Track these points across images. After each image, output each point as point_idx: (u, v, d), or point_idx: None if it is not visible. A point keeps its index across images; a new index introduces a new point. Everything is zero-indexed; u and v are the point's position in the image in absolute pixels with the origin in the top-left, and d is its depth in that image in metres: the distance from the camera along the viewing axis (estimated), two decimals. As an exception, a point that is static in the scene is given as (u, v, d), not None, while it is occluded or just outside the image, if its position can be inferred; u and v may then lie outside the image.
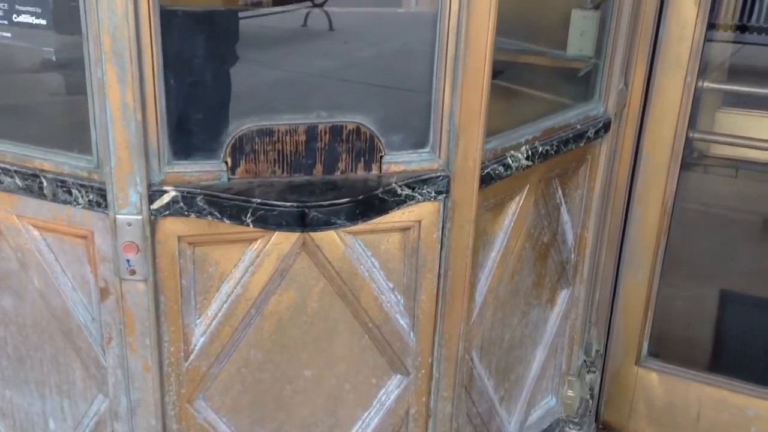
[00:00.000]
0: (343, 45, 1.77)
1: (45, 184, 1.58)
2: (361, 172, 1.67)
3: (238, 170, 1.60)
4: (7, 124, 1.67)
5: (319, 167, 1.64)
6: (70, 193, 1.57)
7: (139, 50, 1.45)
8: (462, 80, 1.63)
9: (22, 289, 1.74)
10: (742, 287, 3.83)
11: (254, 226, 1.55)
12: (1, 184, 1.62)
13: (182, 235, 1.60)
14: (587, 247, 2.31)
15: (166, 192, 1.55)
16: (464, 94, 1.65)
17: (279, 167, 1.62)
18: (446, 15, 1.59)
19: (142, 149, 1.51)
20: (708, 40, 2.33)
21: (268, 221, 1.54)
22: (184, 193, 1.55)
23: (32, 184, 1.59)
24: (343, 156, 1.65)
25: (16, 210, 1.65)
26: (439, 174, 1.70)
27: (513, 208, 1.97)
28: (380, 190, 1.61)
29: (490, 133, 1.77)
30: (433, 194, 1.70)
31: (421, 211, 1.72)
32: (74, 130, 1.55)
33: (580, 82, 2.29)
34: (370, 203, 1.60)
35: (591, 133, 2.06)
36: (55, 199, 1.59)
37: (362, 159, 1.66)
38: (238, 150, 1.59)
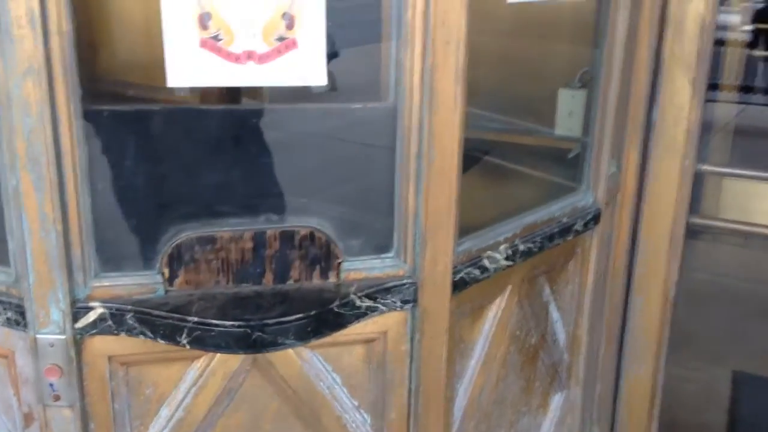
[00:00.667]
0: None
1: (-40, 298, 1.42)
2: (317, 281, 1.49)
3: (177, 281, 1.43)
4: None
5: (269, 276, 1.47)
6: (-13, 310, 1.41)
7: (57, 155, 1.29)
8: (427, 180, 1.47)
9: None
10: (755, 368, 3.60)
11: (191, 348, 1.37)
12: None
13: (113, 355, 1.42)
14: (582, 346, 2.11)
15: (92, 309, 1.38)
16: (430, 194, 1.48)
17: (224, 277, 1.45)
18: (407, 109, 1.44)
19: (63, 262, 1.34)
20: (710, 100, 2.18)
21: (206, 343, 1.36)
22: (113, 310, 1.38)
23: (-53, 298, 1.43)
24: (296, 263, 1.47)
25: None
26: (405, 281, 1.52)
27: (493, 312, 1.78)
28: (336, 303, 1.43)
29: (464, 232, 1.60)
30: (398, 304, 1.52)
31: (387, 322, 1.54)
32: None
33: (570, 164, 2.13)
34: (325, 319, 1.42)
35: (579, 226, 1.88)
36: (-29, 315, 1.42)
37: (318, 266, 1.49)
38: (176, 260, 1.42)
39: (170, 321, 1.36)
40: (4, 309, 1.39)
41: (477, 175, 2.07)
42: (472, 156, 2.20)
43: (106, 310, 1.38)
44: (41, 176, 1.29)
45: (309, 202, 1.47)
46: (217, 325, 1.35)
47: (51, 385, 1.40)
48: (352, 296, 1.46)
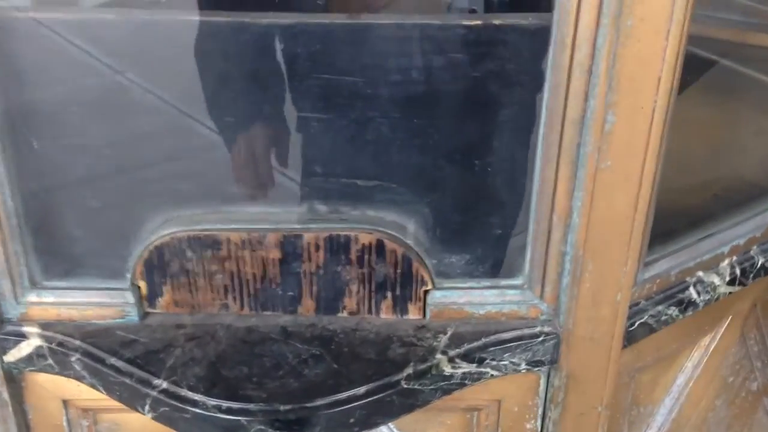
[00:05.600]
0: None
1: None
2: (387, 316, 0.89)
3: (161, 301, 0.89)
4: None
5: (307, 303, 0.89)
6: None
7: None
8: (596, 163, 0.79)
9: None
10: None
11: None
12: None
13: (71, 399, 0.93)
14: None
15: (26, 338, 0.88)
16: (599, 188, 0.80)
17: (235, 299, 0.89)
18: (567, 30, 0.74)
19: (-24, 266, 0.84)
20: None
21: (178, 426, 0.82)
22: (54, 345, 0.87)
23: None
24: (353, 288, 0.88)
25: None
26: (538, 330, 0.88)
27: (696, 357, 1.10)
28: (407, 373, 0.82)
29: (653, 241, 0.92)
30: (523, 366, 0.89)
31: (502, 386, 0.92)
32: None
33: None
34: (384, 402, 0.82)
35: None
36: None
37: (389, 294, 0.88)
38: (157, 269, 0.87)
39: (126, 381, 0.82)
40: None
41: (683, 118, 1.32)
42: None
43: (44, 344, 0.87)
44: None
45: (381, 188, 0.85)
46: (194, 403, 0.79)
47: (-16, 432, 0.94)
48: (439, 357, 0.84)
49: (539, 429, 0.95)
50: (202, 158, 0.87)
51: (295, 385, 0.81)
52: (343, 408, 0.80)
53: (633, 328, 0.91)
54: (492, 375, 0.88)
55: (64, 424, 0.95)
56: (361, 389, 0.81)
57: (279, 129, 0.85)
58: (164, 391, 0.80)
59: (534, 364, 0.89)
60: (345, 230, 0.85)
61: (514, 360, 0.88)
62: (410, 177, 0.86)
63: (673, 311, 0.95)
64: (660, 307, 0.94)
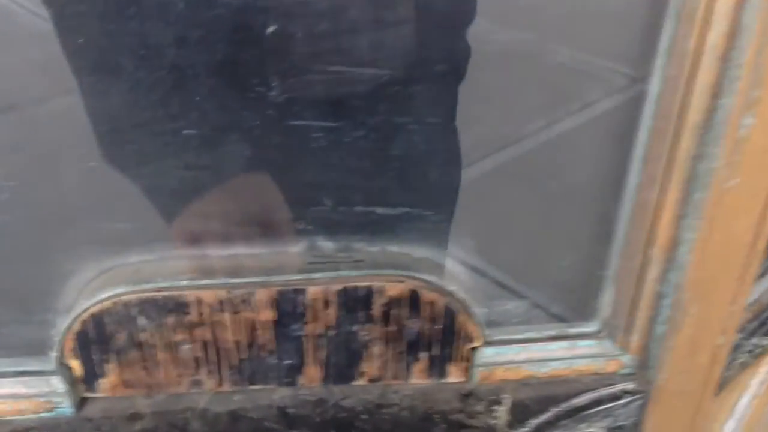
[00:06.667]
0: None
1: None
2: (419, 381, 0.67)
3: (104, 383, 0.63)
4: None
5: (311, 372, 0.65)
6: None
7: None
8: (721, 184, 0.56)
9: None
10: None
11: None
12: None
13: None
14: None
15: None
16: (721, 209, 0.58)
17: (211, 372, 0.64)
18: (698, 3, 0.50)
19: None
20: None
21: None
22: (-48, 460, 0.61)
23: None
24: (374, 351, 0.64)
25: None
26: (619, 389, 0.67)
27: (762, 374, 0.92)
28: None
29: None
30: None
31: (564, 453, 0.72)
32: None
33: None
34: None
35: None
36: None
37: (424, 354, 0.65)
38: (95, 344, 0.61)
39: None
40: None
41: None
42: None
43: (-63, 457, 0.61)
44: None
45: (408, 215, 0.60)
46: None
47: None
48: (500, 443, 0.63)
49: (604, 495, 0.76)
50: (154, 189, 0.60)
51: None
52: None
53: (728, 370, 0.72)
54: (559, 451, 0.67)
55: None
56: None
57: (266, 140, 0.58)
58: None
59: (614, 431, 0.68)
60: (365, 279, 0.60)
61: (591, 431, 0.67)
62: (448, 199, 0.62)
63: (767, 342, 0.76)
64: (755, 339, 0.74)
